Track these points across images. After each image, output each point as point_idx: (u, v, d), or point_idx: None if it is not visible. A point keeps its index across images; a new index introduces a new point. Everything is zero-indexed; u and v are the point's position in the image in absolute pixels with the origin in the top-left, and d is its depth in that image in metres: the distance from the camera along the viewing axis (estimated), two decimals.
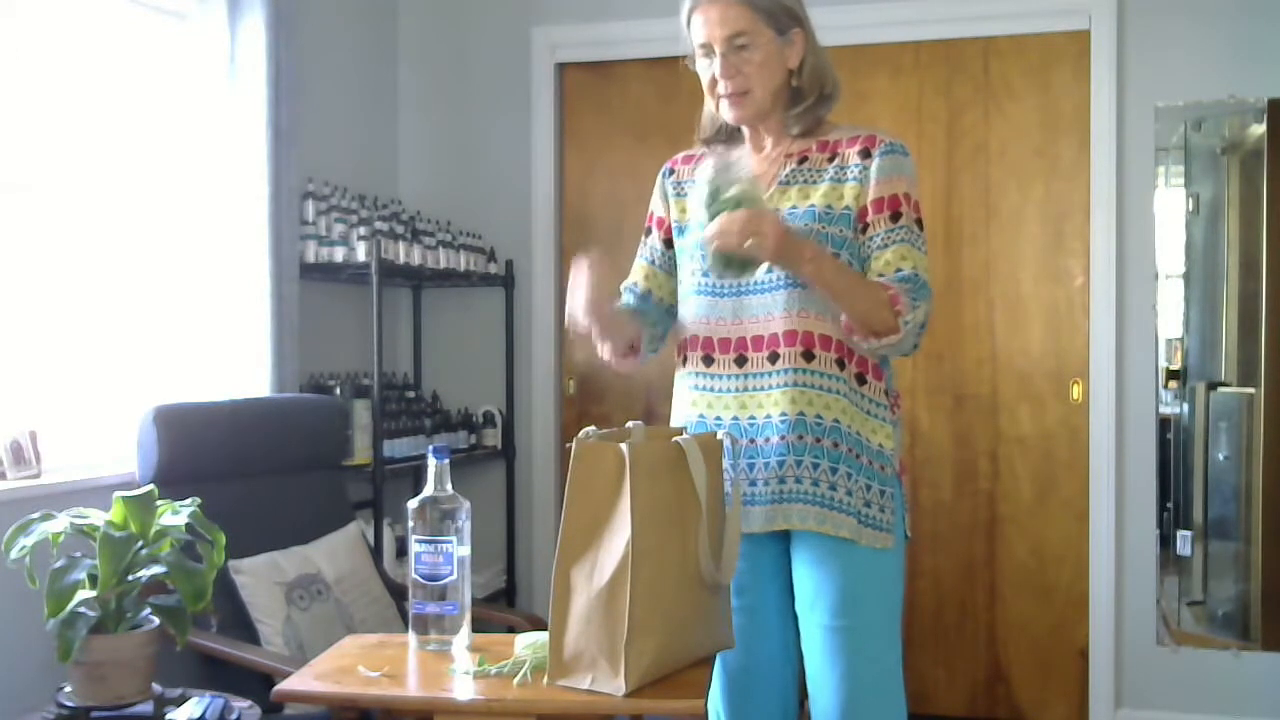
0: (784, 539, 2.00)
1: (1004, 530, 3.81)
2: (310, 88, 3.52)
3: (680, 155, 2.17)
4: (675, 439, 1.80)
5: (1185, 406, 3.65)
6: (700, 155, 2.13)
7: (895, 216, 1.94)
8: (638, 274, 2.20)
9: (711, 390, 2.00)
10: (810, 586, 1.97)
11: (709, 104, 2.07)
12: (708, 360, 2.01)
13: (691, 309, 2.06)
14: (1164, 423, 3.65)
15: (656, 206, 2.19)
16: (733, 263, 1.83)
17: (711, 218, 1.81)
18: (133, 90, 3.05)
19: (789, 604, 2.05)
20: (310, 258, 3.40)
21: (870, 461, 1.95)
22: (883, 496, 1.96)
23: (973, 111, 3.82)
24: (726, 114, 2.01)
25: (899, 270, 1.92)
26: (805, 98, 2.00)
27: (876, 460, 1.96)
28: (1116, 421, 3.65)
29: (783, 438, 1.93)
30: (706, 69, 1.99)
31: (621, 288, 2.18)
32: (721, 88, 1.97)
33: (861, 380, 1.96)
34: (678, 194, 2.13)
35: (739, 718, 2.06)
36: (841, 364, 1.94)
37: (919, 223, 1.97)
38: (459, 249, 3.86)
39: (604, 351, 2.05)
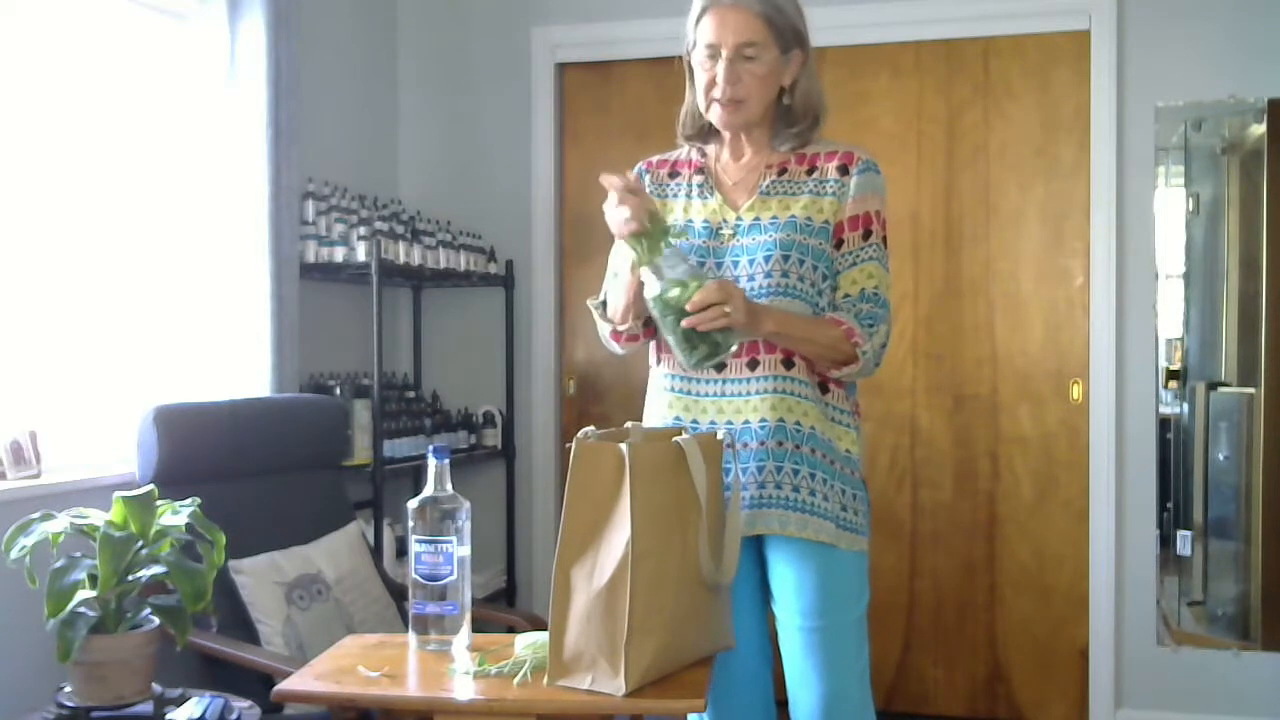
0: (758, 540, 2.02)
1: (1004, 530, 3.81)
2: (310, 88, 3.52)
3: (655, 159, 2.21)
4: (675, 439, 1.80)
5: (1185, 406, 3.65)
6: (674, 160, 2.16)
7: (867, 234, 2.03)
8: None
9: (689, 394, 2.03)
10: (789, 589, 2.00)
11: (690, 102, 2.10)
12: None
13: None
14: (1164, 423, 3.65)
15: None
16: (707, 341, 1.85)
17: (677, 313, 1.82)
18: (132, 90, 3.05)
19: (763, 602, 2.08)
20: (310, 258, 3.40)
21: (841, 466, 2.01)
22: (855, 500, 2.02)
23: (973, 111, 3.81)
24: (716, 117, 2.04)
25: (863, 289, 2.01)
26: (798, 121, 2.05)
27: (846, 465, 2.02)
28: (1116, 421, 3.65)
29: (762, 443, 1.96)
30: (706, 69, 2.01)
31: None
32: (718, 92, 2.00)
33: (824, 389, 2.02)
34: (655, 194, 2.13)
35: (723, 716, 2.07)
36: (811, 372, 2.00)
37: (885, 240, 2.05)
38: (459, 249, 3.86)
39: (622, 318, 2.04)
